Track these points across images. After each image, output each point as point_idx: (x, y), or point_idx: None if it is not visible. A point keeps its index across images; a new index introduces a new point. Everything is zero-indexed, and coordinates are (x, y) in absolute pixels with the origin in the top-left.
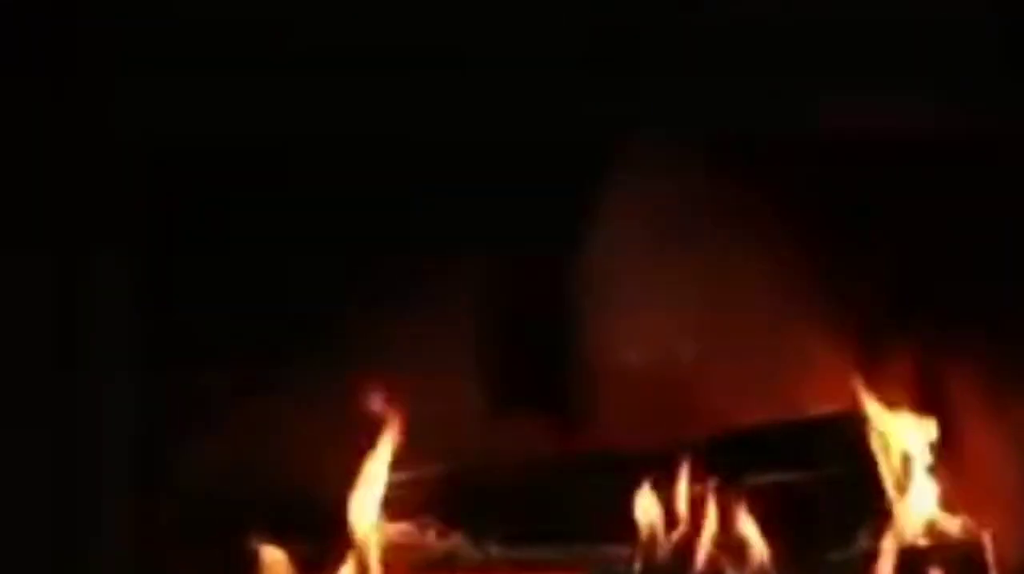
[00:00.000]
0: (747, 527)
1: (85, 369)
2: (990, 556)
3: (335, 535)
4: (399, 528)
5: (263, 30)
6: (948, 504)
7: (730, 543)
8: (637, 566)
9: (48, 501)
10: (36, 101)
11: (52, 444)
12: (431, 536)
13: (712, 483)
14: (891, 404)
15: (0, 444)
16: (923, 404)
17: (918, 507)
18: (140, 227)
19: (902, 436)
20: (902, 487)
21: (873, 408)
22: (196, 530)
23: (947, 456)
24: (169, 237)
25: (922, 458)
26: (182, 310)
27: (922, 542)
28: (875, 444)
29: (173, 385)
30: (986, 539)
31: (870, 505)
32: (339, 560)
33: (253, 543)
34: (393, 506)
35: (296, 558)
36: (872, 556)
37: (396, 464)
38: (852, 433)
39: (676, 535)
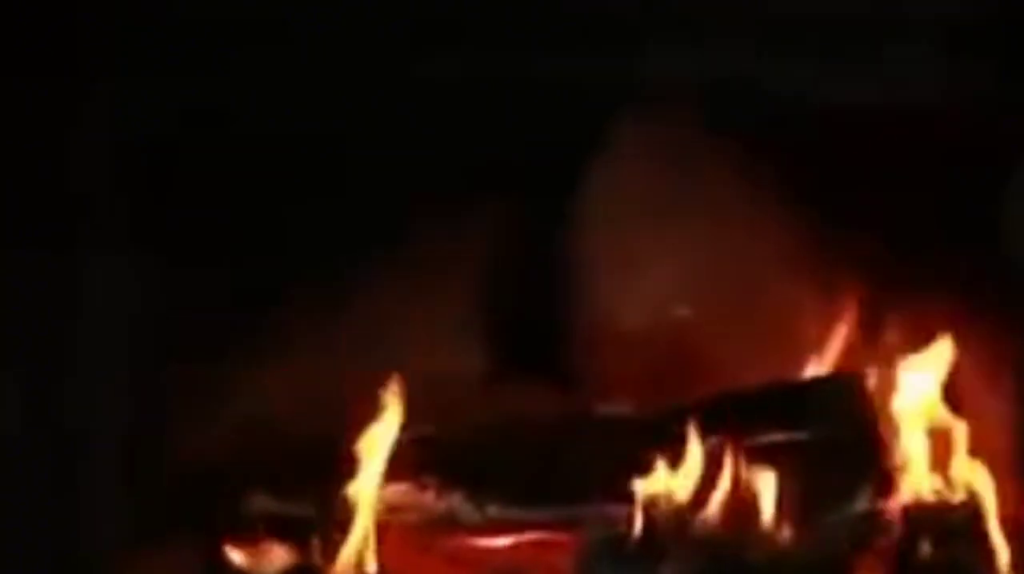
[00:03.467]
0: (747, 488)
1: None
2: (991, 518)
3: (334, 496)
4: (398, 489)
5: (260, 29)
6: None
7: (730, 504)
8: (636, 527)
9: (47, 482)
10: (34, 101)
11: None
12: (430, 496)
13: (712, 444)
14: (893, 366)
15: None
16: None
17: (919, 468)
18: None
19: (903, 398)
20: (903, 448)
21: (875, 369)
22: (194, 494)
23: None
24: (167, 224)
25: (924, 420)
26: (180, 283)
27: (922, 503)
28: (876, 405)
29: (169, 350)
30: (986, 501)
31: (870, 466)
32: (338, 521)
33: (252, 505)
34: (392, 467)
35: (295, 519)
36: (871, 517)
37: (397, 424)
38: (852, 394)
39: (676, 496)
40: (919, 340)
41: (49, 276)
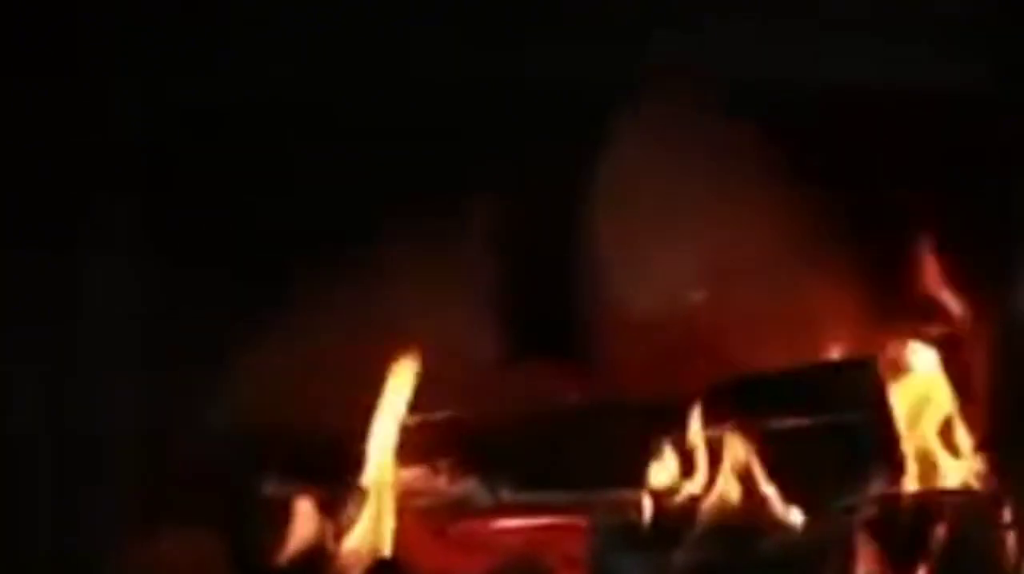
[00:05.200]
0: (759, 473)
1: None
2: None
3: (348, 479)
4: (412, 472)
5: (260, 30)
6: (964, 450)
7: (742, 489)
8: (649, 511)
9: (48, 444)
10: (34, 101)
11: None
12: (443, 480)
13: (725, 429)
14: (908, 349)
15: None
16: (940, 348)
17: (932, 453)
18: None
19: (919, 381)
20: (917, 433)
21: (889, 353)
22: (211, 476)
23: (964, 401)
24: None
25: (938, 404)
26: (189, 257)
27: (936, 489)
28: (890, 390)
29: (183, 328)
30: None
31: (884, 451)
32: (352, 504)
33: (268, 488)
34: (406, 450)
35: (310, 502)
36: (885, 502)
37: (409, 409)
38: (867, 378)
39: (688, 481)
40: (929, 326)
41: (49, 276)
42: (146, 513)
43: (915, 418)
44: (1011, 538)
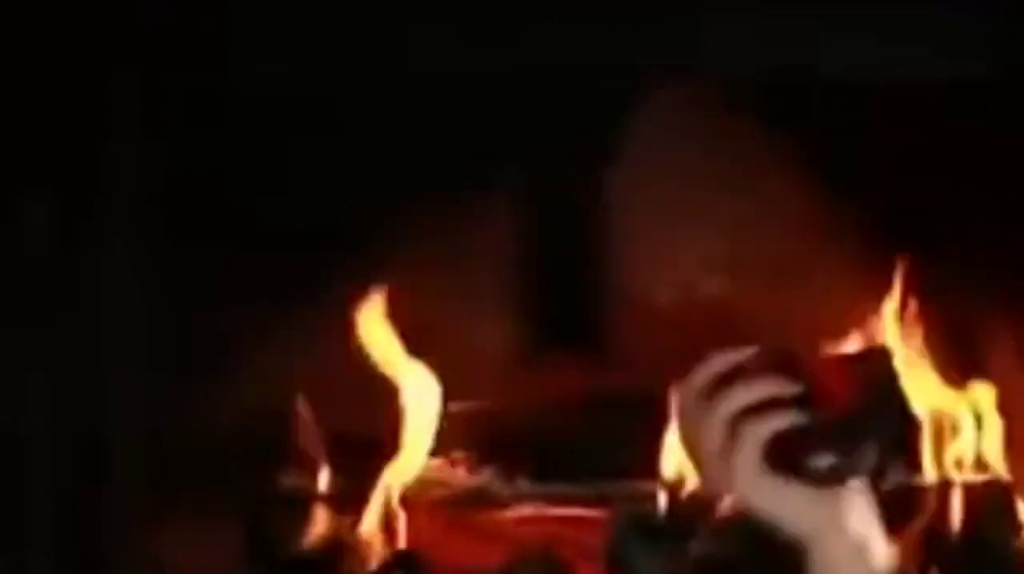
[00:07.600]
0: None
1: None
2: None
3: (364, 471)
4: (429, 464)
5: (259, 29)
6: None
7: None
8: (665, 503)
9: (56, 440)
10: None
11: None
12: (461, 472)
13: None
14: (920, 341)
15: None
16: (952, 341)
17: (948, 441)
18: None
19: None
20: (928, 423)
21: (901, 344)
22: (220, 467)
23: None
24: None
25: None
26: (190, 255)
27: (950, 479)
28: (903, 381)
29: (190, 321)
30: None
31: (900, 443)
32: (367, 496)
33: (282, 482)
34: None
35: (325, 494)
36: (899, 493)
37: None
38: (880, 370)
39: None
40: (949, 312)
41: (50, 275)
42: (155, 511)
43: (930, 407)
44: None
